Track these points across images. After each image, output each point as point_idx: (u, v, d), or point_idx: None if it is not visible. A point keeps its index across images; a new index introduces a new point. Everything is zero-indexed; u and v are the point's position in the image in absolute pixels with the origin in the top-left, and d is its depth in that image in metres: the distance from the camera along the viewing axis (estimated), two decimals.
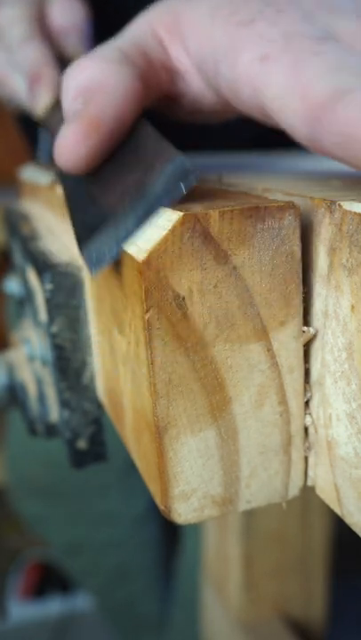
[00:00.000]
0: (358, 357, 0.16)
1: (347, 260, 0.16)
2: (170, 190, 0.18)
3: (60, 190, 0.28)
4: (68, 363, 0.27)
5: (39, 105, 0.33)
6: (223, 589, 0.62)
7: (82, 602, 1.04)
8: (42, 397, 0.32)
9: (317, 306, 0.18)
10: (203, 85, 0.25)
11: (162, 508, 0.19)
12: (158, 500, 0.19)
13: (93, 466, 0.29)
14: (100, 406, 0.28)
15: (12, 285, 0.37)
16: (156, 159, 0.20)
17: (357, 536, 0.18)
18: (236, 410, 0.19)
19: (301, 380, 0.19)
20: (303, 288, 0.18)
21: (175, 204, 0.18)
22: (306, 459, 0.20)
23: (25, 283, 0.33)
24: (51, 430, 0.32)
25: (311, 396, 0.19)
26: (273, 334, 0.18)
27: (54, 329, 0.26)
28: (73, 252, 0.28)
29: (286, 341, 0.18)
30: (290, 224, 0.17)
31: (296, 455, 0.20)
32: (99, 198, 0.21)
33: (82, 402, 0.28)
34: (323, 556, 0.61)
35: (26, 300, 0.34)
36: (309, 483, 0.20)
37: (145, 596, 0.78)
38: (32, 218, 0.38)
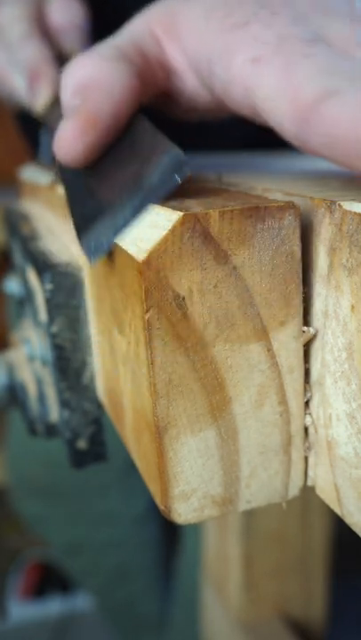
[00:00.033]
0: (358, 357, 0.16)
1: (347, 260, 0.16)
2: (165, 181, 0.19)
3: (60, 190, 0.28)
4: (68, 363, 0.27)
5: (39, 102, 0.33)
6: (223, 589, 0.62)
7: (82, 602, 1.04)
8: (42, 397, 0.32)
9: (317, 306, 0.18)
10: (198, 84, 0.25)
11: (162, 508, 0.19)
12: (158, 500, 0.19)
13: (93, 466, 0.29)
14: (100, 406, 0.28)
15: (12, 285, 0.37)
16: (151, 152, 0.20)
17: (357, 536, 0.18)
18: (236, 410, 0.19)
19: (301, 380, 0.19)
20: (303, 288, 0.18)
21: (174, 203, 0.18)
22: (306, 459, 0.20)
23: (25, 283, 0.33)
24: (51, 430, 0.32)
25: (311, 396, 0.19)
26: (273, 334, 0.18)
27: (54, 329, 0.26)
28: (73, 251, 0.28)
29: (286, 341, 0.18)
30: (290, 224, 0.17)
31: (296, 455, 0.20)
32: (97, 190, 0.22)
33: (82, 402, 0.28)
34: (323, 555, 0.61)
35: (26, 299, 0.34)
36: (309, 483, 0.20)
37: (145, 596, 0.78)
38: (32, 218, 0.38)
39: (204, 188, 0.22)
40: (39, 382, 0.32)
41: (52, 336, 0.27)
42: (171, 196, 0.19)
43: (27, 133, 0.62)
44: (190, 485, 0.19)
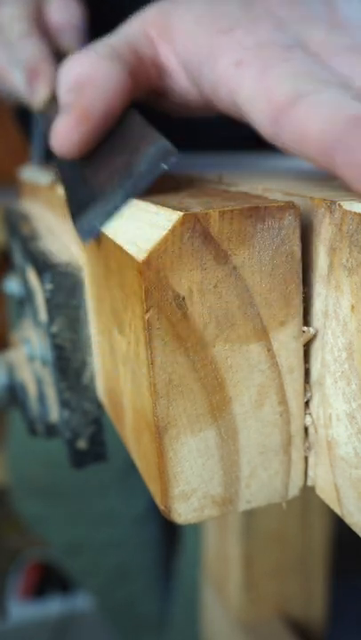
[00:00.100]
0: (358, 357, 0.16)
1: (347, 260, 0.16)
2: (152, 169, 0.21)
3: (60, 190, 0.28)
4: (68, 363, 0.27)
5: (37, 99, 0.34)
6: (223, 589, 0.62)
7: (82, 602, 1.04)
8: (42, 397, 0.32)
9: (317, 306, 0.18)
10: (188, 84, 0.27)
11: (162, 508, 0.19)
12: (158, 500, 0.19)
13: (93, 466, 0.29)
14: (100, 406, 0.28)
15: (12, 285, 0.37)
16: (140, 143, 0.22)
17: (357, 536, 0.18)
18: (236, 410, 0.19)
19: (301, 380, 0.19)
20: (303, 288, 0.18)
21: (174, 203, 0.18)
22: (306, 459, 0.20)
23: (25, 283, 0.33)
24: (51, 430, 0.32)
25: (311, 396, 0.19)
26: (273, 334, 0.18)
27: (54, 329, 0.26)
28: (73, 251, 0.28)
29: (286, 341, 0.18)
30: (290, 224, 0.17)
31: (296, 455, 0.20)
32: (90, 178, 0.24)
33: (82, 402, 0.28)
34: (323, 555, 0.61)
35: (26, 299, 0.34)
36: (309, 483, 0.20)
37: (145, 596, 0.78)
38: (32, 218, 0.38)
39: (204, 188, 0.22)
40: (39, 382, 0.32)
41: (52, 336, 0.27)
42: (170, 196, 0.19)
43: (26, 130, 0.63)
44: (190, 485, 0.19)
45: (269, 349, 0.18)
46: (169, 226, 0.16)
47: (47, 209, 0.35)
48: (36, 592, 1.08)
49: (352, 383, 0.17)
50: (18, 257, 0.35)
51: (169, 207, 0.17)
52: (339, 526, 0.61)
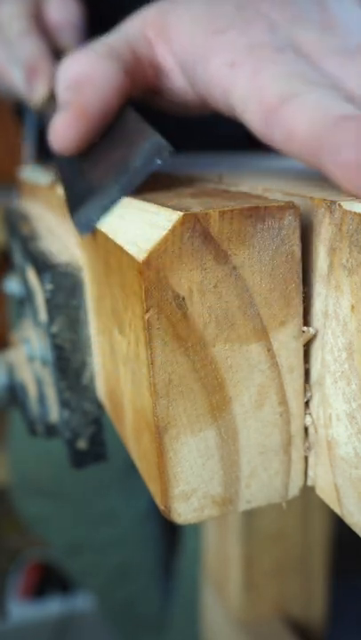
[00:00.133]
0: (358, 357, 0.16)
1: (347, 260, 0.16)
2: (147, 164, 0.21)
3: (59, 190, 0.29)
4: (68, 363, 0.27)
5: (36, 96, 0.35)
6: (223, 589, 0.62)
7: (82, 602, 1.04)
8: (42, 397, 0.32)
9: (317, 306, 0.18)
10: (184, 83, 0.27)
11: (162, 508, 0.19)
12: (158, 500, 0.19)
13: (93, 466, 0.29)
14: (100, 406, 0.28)
15: (12, 285, 0.37)
16: (136, 139, 0.23)
17: (357, 536, 0.18)
18: (236, 410, 0.19)
19: (301, 380, 0.19)
20: (303, 288, 0.18)
21: (174, 203, 0.18)
22: (306, 459, 0.20)
23: (25, 283, 0.33)
24: (51, 430, 0.32)
25: (311, 396, 0.19)
26: (273, 334, 0.18)
27: (54, 329, 0.26)
28: (73, 252, 0.28)
29: (286, 341, 0.18)
30: (290, 224, 0.17)
31: (296, 455, 0.20)
32: (88, 173, 0.24)
33: (82, 402, 0.28)
34: (323, 555, 0.61)
35: (26, 299, 0.34)
36: (309, 483, 0.20)
37: (145, 596, 0.78)
38: (32, 218, 0.38)
39: (204, 188, 0.22)
40: (39, 382, 0.32)
41: (52, 336, 0.27)
42: (171, 196, 0.19)
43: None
44: (190, 485, 0.19)
45: (269, 349, 0.18)
46: (169, 226, 0.16)
47: (47, 209, 0.35)
48: (36, 592, 1.08)
49: (352, 383, 0.17)
50: (18, 257, 0.35)
51: (169, 207, 0.17)
52: (339, 526, 0.61)
